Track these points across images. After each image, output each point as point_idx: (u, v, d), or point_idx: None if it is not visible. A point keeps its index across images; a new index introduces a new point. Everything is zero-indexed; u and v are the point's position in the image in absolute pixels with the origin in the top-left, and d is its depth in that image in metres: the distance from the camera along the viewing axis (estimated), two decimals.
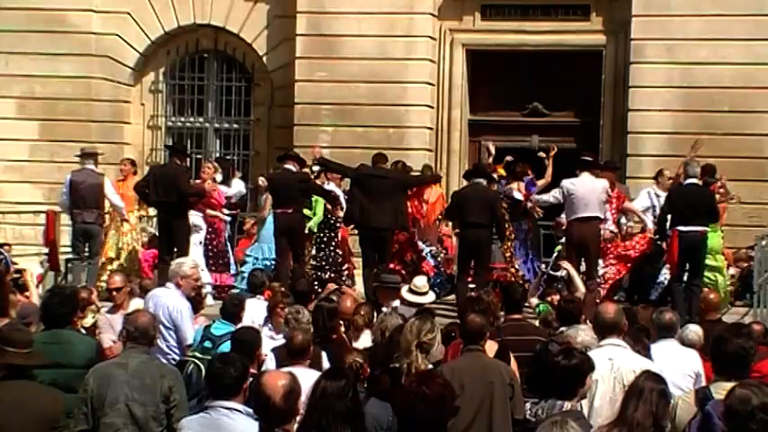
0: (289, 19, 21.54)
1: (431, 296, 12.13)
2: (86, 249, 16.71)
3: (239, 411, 6.31)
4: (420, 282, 12.19)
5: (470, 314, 8.65)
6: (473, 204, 14.92)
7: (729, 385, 6.14)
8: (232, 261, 17.50)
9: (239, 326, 9.69)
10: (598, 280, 15.11)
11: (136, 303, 11.62)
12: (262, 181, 17.20)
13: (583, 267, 14.91)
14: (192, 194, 15.88)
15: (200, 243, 16.71)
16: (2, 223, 20.59)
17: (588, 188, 14.84)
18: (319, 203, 16.66)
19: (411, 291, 12.10)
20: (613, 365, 7.89)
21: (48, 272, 17.58)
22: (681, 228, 14.75)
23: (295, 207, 15.83)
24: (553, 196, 15.24)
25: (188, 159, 17.82)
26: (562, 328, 9.78)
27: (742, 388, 5.51)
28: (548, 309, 12.15)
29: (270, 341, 10.06)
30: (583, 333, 8.14)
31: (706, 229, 15.00)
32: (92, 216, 16.48)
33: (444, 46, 21.45)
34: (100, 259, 16.91)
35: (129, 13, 22.46)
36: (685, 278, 14.89)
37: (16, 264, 16.21)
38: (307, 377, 8.19)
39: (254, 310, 11.53)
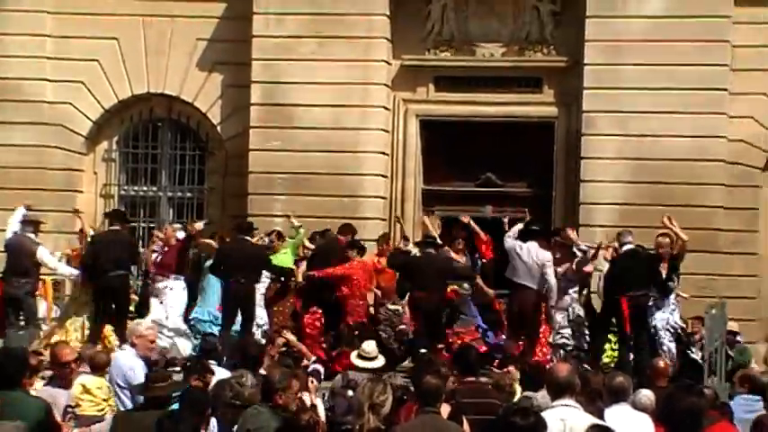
0: (243, 88, 21.61)
1: (381, 360, 12.00)
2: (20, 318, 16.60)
3: None
4: (369, 347, 12.03)
5: (427, 375, 8.59)
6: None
7: None
8: None
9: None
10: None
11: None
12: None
13: None
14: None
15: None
16: None
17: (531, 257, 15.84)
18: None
19: (360, 356, 11.95)
20: (566, 426, 7.85)
21: None
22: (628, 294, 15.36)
23: (248, 278, 16.28)
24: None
25: (128, 224, 17.87)
26: (527, 393, 9.77)
27: None
28: None
29: None
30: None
31: (647, 291, 15.60)
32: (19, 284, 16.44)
33: (398, 116, 21.61)
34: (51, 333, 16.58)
35: (82, 82, 22.44)
36: None
37: None
38: None
39: None
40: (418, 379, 8.81)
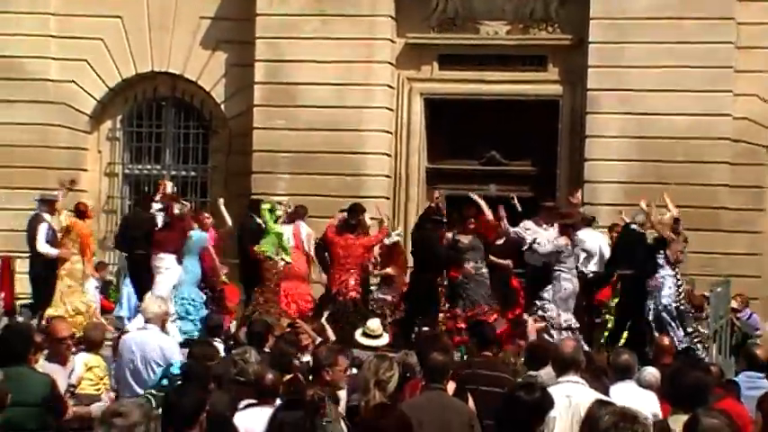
0: (246, 67, 21.58)
1: (385, 338, 11.98)
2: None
3: None
4: (373, 324, 12.00)
5: (433, 352, 8.61)
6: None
7: (687, 417, 6.12)
8: None
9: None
10: None
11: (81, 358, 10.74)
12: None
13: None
14: None
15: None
16: None
17: None
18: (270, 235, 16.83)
19: (365, 334, 11.93)
20: (571, 402, 7.85)
21: (1, 317, 17.38)
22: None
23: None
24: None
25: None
26: (530, 372, 9.78)
27: (708, 417, 5.43)
28: None
29: None
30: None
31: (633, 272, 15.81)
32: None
33: (402, 94, 21.56)
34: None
35: (86, 61, 22.41)
36: None
37: None
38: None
39: None
40: (424, 356, 8.84)
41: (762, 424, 6.26)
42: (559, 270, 16.03)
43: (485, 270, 16.63)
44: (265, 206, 17.17)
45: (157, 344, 10.83)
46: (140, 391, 10.66)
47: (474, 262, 16.57)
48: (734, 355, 15.65)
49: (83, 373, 10.15)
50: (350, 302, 16.10)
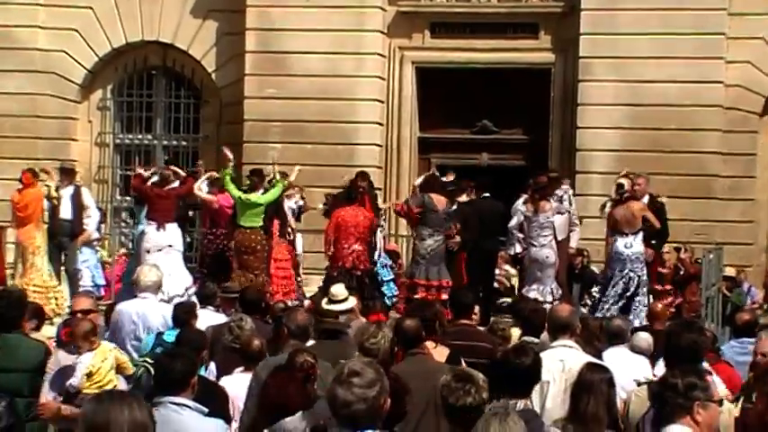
0: (238, 36, 21.50)
1: (351, 301, 11.81)
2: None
3: (188, 407, 6.17)
4: (337, 289, 11.84)
5: (405, 320, 8.50)
6: None
7: None
8: None
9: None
10: None
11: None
12: None
13: None
14: None
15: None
16: None
17: None
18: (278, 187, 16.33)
19: (330, 301, 11.78)
20: (564, 366, 7.84)
21: None
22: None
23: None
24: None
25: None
26: (525, 338, 9.74)
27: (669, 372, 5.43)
28: None
29: None
30: None
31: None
32: None
33: (394, 63, 21.49)
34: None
35: (76, 30, 22.30)
36: None
37: None
38: None
39: (205, 321, 11.38)
40: (398, 323, 8.71)
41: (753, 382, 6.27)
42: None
43: None
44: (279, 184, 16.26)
45: (160, 313, 10.77)
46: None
47: None
48: (727, 326, 15.66)
49: (83, 382, 8.27)
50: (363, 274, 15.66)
